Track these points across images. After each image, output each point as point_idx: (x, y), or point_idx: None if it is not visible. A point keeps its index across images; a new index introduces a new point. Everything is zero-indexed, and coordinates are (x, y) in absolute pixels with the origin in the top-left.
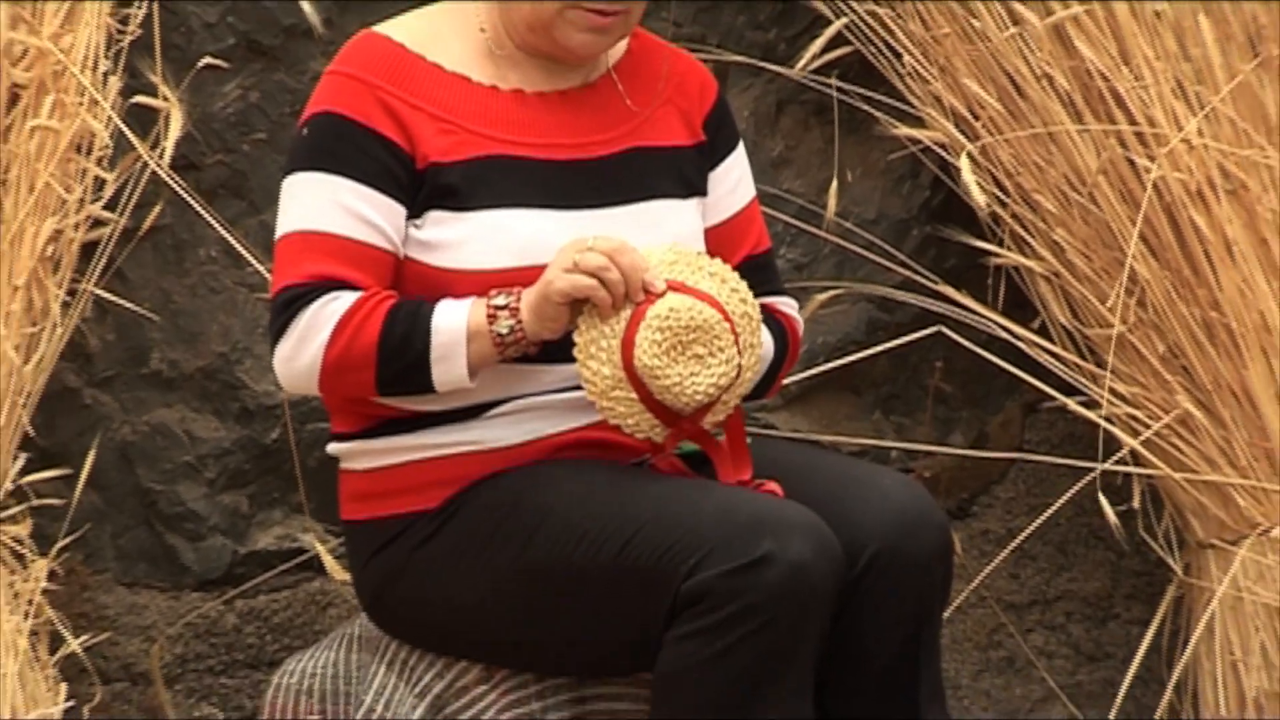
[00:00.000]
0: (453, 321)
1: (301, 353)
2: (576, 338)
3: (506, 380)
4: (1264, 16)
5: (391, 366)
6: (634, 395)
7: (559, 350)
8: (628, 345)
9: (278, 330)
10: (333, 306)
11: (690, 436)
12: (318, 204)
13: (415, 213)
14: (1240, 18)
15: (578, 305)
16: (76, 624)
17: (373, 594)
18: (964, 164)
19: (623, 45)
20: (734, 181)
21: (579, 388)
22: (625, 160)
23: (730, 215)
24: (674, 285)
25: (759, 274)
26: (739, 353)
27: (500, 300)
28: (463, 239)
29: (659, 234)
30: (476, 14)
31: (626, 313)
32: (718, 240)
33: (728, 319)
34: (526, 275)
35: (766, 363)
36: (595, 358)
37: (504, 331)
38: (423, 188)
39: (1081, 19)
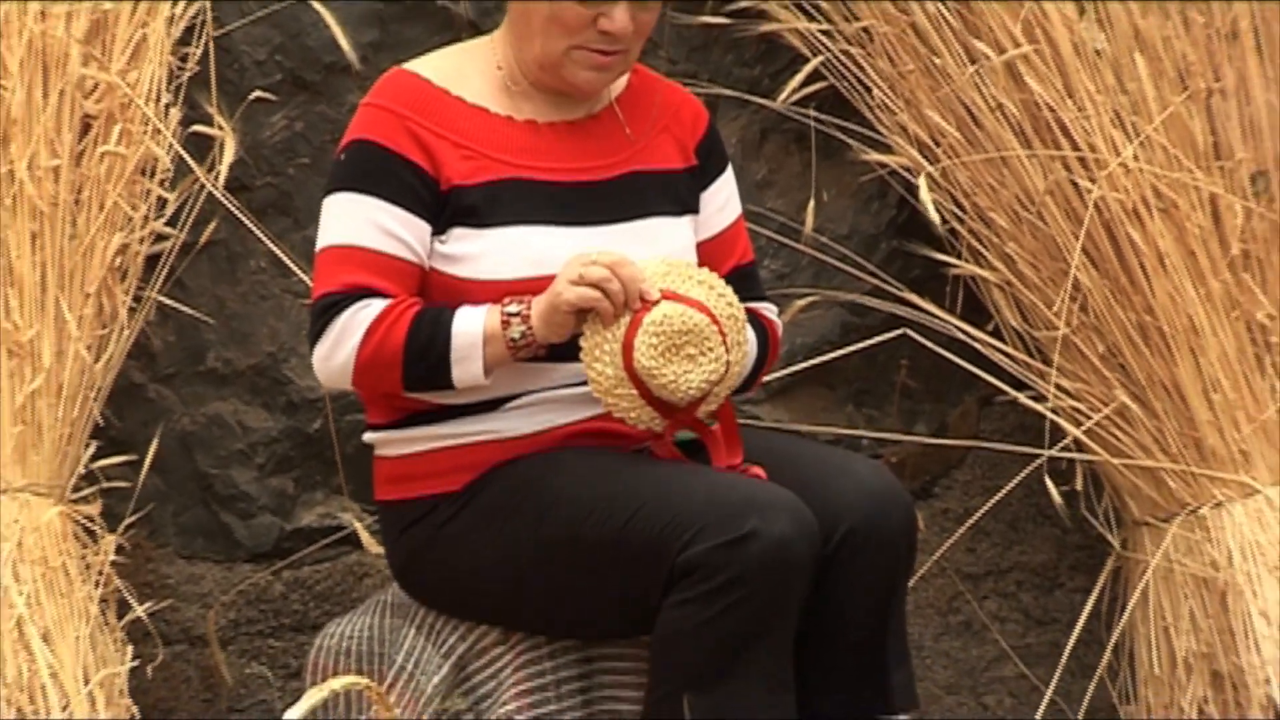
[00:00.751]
0: (470, 327)
1: (337, 353)
2: (582, 342)
3: (522, 377)
4: (1192, 55)
5: (416, 366)
6: (635, 392)
7: (567, 350)
8: (627, 349)
9: (316, 332)
10: (365, 313)
11: (686, 426)
12: (353, 221)
13: (440, 229)
14: (1171, 56)
15: (583, 313)
16: (141, 592)
17: (403, 565)
18: (922, 184)
19: (624, 80)
20: (723, 201)
21: (586, 383)
22: (626, 182)
23: (720, 230)
24: (667, 294)
25: (745, 282)
26: (726, 351)
27: (513, 308)
28: (482, 252)
29: (656, 248)
30: (494, 53)
31: (626, 319)
32: (709, 252)
33: (716, 322)
34: (538, 284)
35: (752, 361)
36: (599, 360)
37: (516, 337)
38: (446, 207)
39: (1031, 57)
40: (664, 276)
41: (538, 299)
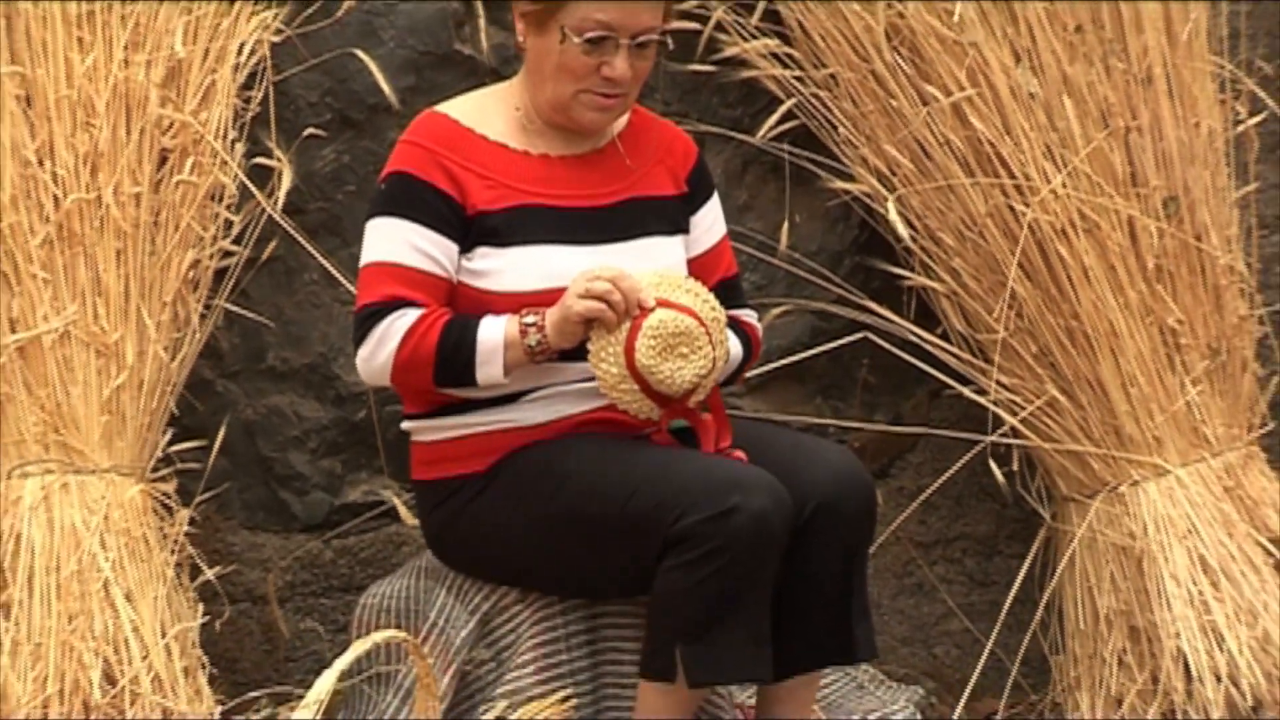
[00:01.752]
0: (492, 334)
1: (378, 354)
2: (589, 346)
3: (537, 373)
4: (1113, 97)
5: (445, 368)
6: (636, 388)
7: (576, 351)
8: (629, 350)
9: (360, 337)
10: (401, 321)
11: (680, 415)
12: (391, 242)
13: (466, 248)
14: (1095, 98)
15: (590, 321)
16: (210, 558)
17: (435, 535)
18: (891, 206)
19: (624, 119)
20: (710, 222)
21: (593, 378)
22: (626, 207)
23: (708, 248)
24: (662, 302)
25: (730, 292)
26: (713, 349)
27: (530, 319)
28: (503, 268)
29: (652, 263)
30: (513, 97)
31: (626, 325)
32: (699, 267)
33: (703, 325)
34: (553, 296)
35: (736, 361)
36: (605, 361)
37: (533, 344)
38: (472, 229)
39: (974, 99)
40: (657, 287)
41: (551, 310)
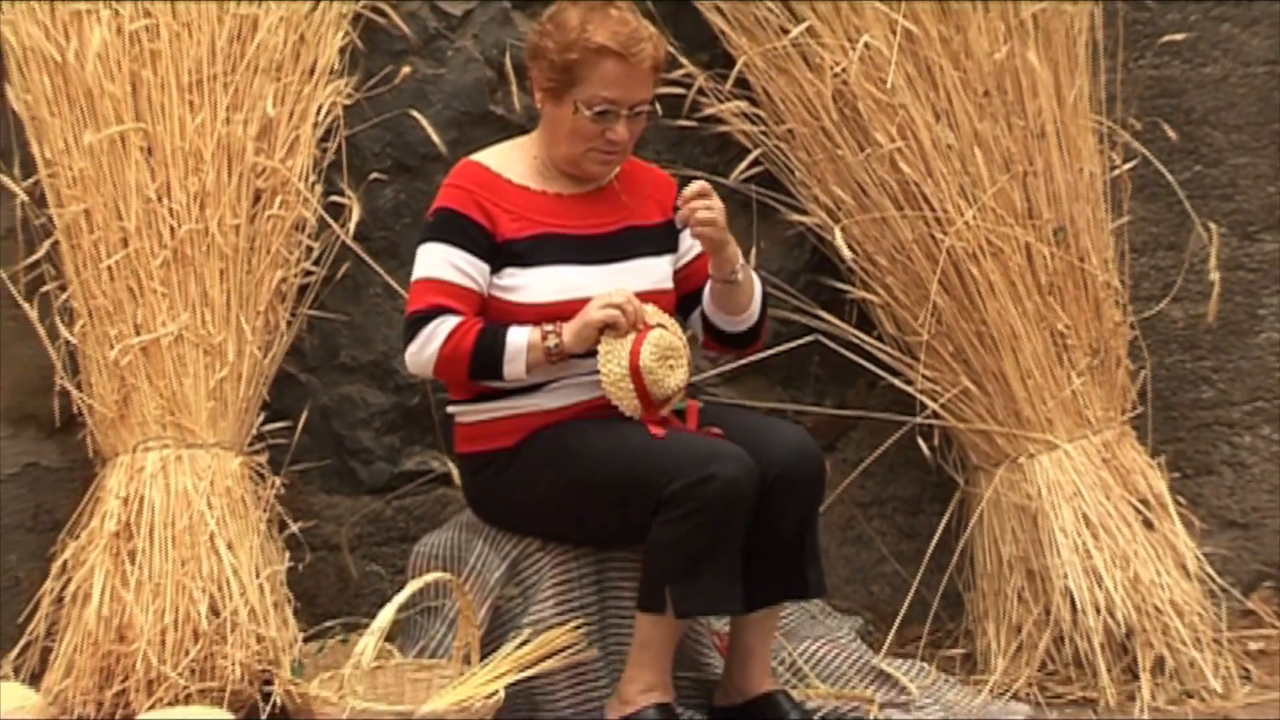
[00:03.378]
0: (518, 339)
1: (424, 351)
2: (600, 349)
3: (554, 369)
4: (1014, 148)
5: (478, 364)
6: (632, 386)
7: (585, 353)
8: (634, 353)
9: (409, 337)
10: (444, 325)
11: (654, 417)
12: (436, 262)
13: (495, 269)
14: (999, 149)
15: (601, 331)
16: (295, 515)
17: (474, 497)
18: (838, 234)
19: (620, 166)
20: (694, 239)
21: (598, 371)
22: (623, 234)
23: (698, 254)
24: (659, 325)
25: None
26: (687, 370)
27: (549, 327)
28: (526, 284)
29: (646, 278)
30: (531, 147)
31: (632, 335)
32: (696, 269)
33: (686, 348)
34: (566, 306)
35: (758, 299)
36: (610, 360)
37: (551, 346)
38: (500, 253)
39: (903, 149)
40: (654, 315)
41: (569, 323)
